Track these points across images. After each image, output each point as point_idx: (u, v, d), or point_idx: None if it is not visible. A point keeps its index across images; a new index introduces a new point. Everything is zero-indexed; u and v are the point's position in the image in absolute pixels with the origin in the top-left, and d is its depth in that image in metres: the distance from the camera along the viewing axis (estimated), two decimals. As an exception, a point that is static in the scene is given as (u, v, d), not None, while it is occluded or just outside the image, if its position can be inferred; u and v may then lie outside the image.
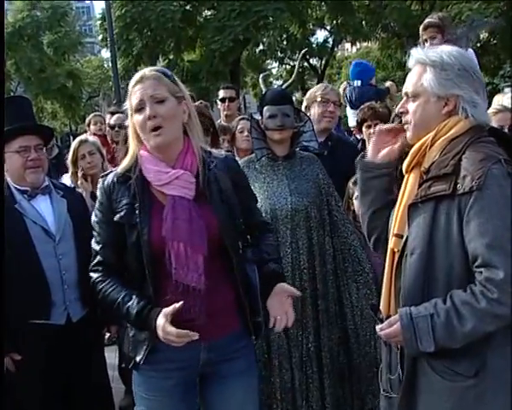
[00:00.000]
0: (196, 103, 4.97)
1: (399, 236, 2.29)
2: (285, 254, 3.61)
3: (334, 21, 24.07)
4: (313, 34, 28.01)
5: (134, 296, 2.48)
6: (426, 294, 2.16)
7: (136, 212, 2.50)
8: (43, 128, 3.78)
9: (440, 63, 2.22)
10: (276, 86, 32.66)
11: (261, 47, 25.09)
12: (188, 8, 22.28)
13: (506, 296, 2.00)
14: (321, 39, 28.70)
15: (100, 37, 24.65)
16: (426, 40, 5.16)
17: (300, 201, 3.67)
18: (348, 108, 6.85)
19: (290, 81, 5.99)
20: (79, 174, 4.65)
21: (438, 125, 2.23)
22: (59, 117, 31.50)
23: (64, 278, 3.39)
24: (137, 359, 2.56)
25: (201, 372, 2.62)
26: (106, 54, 33.14)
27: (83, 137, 4.98)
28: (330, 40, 27.87)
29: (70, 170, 4.75)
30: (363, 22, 24.01)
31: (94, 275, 2.61)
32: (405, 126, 2.34)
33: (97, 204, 2.62)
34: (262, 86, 4.93)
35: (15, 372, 3.37)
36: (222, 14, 20.69)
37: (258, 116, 3.92)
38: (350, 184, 4.18)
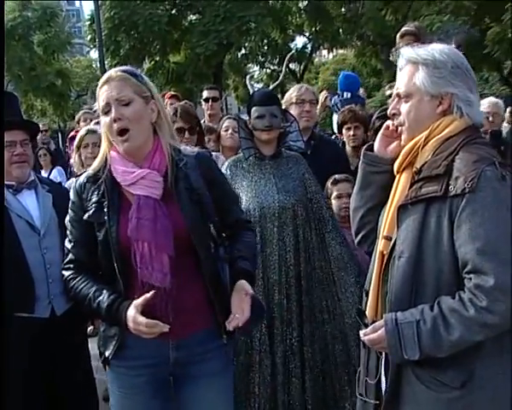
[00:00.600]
0: (181, 103, 4.88)
1: (389, 238, 2.13)
2: (272, 252, 3.57)
3: (313, 28, 24.19)
4: (293, 40, 28.12)
5: (105, 291, 2.42)
6: (413, 299, 2.02)
7: (105, 210, 2.42)
8: (29, 123, 3.67)
9: (433, 61, 2.08)
10: (258, 89, 33.07)
11: (243, 51, 25.11)
12: (174, 12, 22.35)
13: (495, 305, 1.86)
14: (300, 45, 28.75)
15: (88, 37, 24.52)
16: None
17: (287, 199, 3.61)
18: (335, 115, 6.78)
19: (277, 82, 5.97)
20: (78, 161, 4.55)
21: (431, 124, 2.09)
22: (48, 114, 31.30)
23: (48, 272, 3.28)
24: (106, 354, 2.51)
25: (173, 372, 2.50)
26: (94, 54, 33.03)
27: (92, 127, 4.88)
28: (309, 46, 27.94)
29: (73, 155, 4.66)
30: (340, 30, 24.12)
31: (66, 273, 2.57)
32: (399, 129, 2.19)
33: (70, 204, 2.57)
34: (249, 87, 4.90)
35: None
36: (207, 19, 20.72)
37: (245, 117, 3.85)
38: (328, 184, 4.11)
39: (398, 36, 5.14)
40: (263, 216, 3.58)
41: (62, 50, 27.81)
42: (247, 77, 5.63)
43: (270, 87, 5.47)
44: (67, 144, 7.82)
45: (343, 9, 23.31)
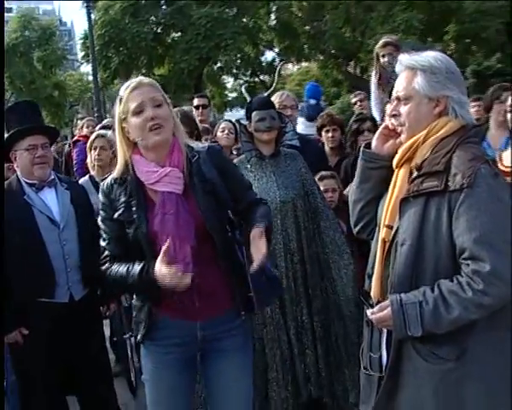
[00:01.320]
0: (182, 108, 4.86)
1: (390, 227, 2.11)
2: (277, 241, 3.56)
3: (282, 44, 24.20)
4: (263, 54, 28.00)
5: (136, 264, 2.37)
6: (414, 282, 2.00)
7: (133, 209, 2.39)
8: (49, 128, 3.69)
9: (430, 67, 2.06)
10: (230, 98, 32.69)
11: (219, 64, 25.03)
12: (159, 30, 22.17)
13: (491, 288, 1.86)
14: (269, 59, 28.68)
15: (82, 53, 24.30)
16: (383, 55, 5.11)
17: (287, 194, 3.61)
18: (300, 119, 6.79)
19: (271, 89, 5.98)
20: (90, 161, 4.65)
21: (429, 124, 2.07)
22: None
23: (67, 262, 3.33)
24: (138, 337, 2.51)
25: (201, 349, 2.51)
26: (85, 69, 32.72)
27: (102, 132, 4.86)
28: (277, 60, 27.84)
29: (88, 155, 4.71)
30: (305, 46, 24.13)
31: (104, 267, 2.49)
32: (399, 129, 2.16)
33: (100, 205, 2.52)
34: (245, 95, 4.92)
35: (23, 345, 3.31)
36: (189, 37, 20.62)
37: (244, 122, 3.85)
38: (316, 179, 4.11)
39: (379, 44, 5.16)
40: None
41: (59, 65, 27.66)
42: (243, 87, 5.69)
43: (266, 93, 5.47)
44: (71, 148, 7.74)
45: (308, 27, 23.31)
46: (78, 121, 8.70)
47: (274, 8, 23.61)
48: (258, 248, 2.33)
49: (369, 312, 2.09)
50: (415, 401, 2.06)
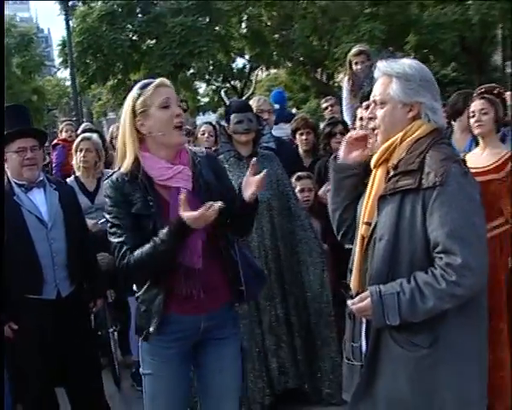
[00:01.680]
0: None
1: (368, 223, 2.14)
2: (252, 239, 3.57)
3: (253, 52, 24.26)
4: (234, 61, 27.98)
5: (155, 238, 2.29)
6: (391, 275, 2.03)
7: (150, 203, 2.33)
8: (38, 131, 3.63)
9: (404, 74, 2.09)
10: (202, 103, 32.58)
11: (192, 70, 24.94)
12: (134, 38, 22.00)
13: (463, 279, 1.90)
14: (240, 65, 28.68)
15: (60, 59, 23.96)
16: (356, 63, 5.14)
17: (263, 193, 3.56)
18: None
19: (249, 93, 5.99)
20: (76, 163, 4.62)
21: (403, 127, 2.10)
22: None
23: (55, 260, 3.31)
24: (151, 329, 2.41)
25: (199, 339, 2.51)
26: (62, 74, 32.29)
27: (88, 134, 4.81)
28: (247, 66, 27.86)
29: (74, 157, 4.68)
30: (275, 53, 24.19)
31: (125, 260, 2.33)
32: (375, 131, 2.19)
33: (110, 202, 2.38)
34: (225, 99, 4.92)
35: (14, 341, 3.26)
36: (164, 44, 20.51)
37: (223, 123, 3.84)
38: (293, 179, 4.12)
39: (353, 53, 5.20)
40: None
41: (37, 71, 27.25)
42: (222, 91, 5.75)
43: (244, 97, 5.48)
44: (50, 151, 7.65)
45: (277, 36, 23.38)
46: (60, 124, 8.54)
47: (245, 18, 23.64)
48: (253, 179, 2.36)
49: (349, 302, 2.11)
50: (391, 387, 2.08)
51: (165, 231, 2.26)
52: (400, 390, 2.06)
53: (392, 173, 2.11)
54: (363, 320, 2.17)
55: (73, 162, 4.65)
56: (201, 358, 2.55)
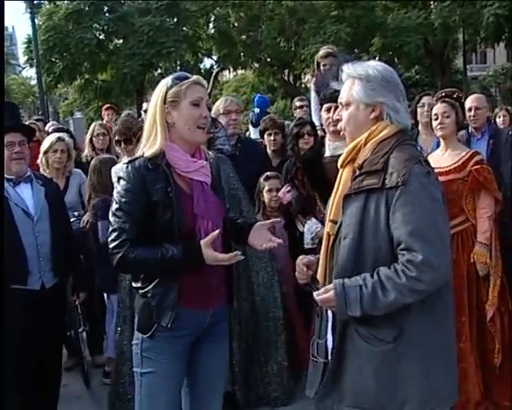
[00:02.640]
0: (122, 115, 4.77)
1: (334, 222, 2.17)
2: None
3: (220, 52, 24.25)
4: (201, 62, 27.91)
5: (167, 246, 2.29)
6: (355, 272, 2.06)
7: (171, 194, 2.31)
8: (26, 127, 3.72)
9: (366, 76, 2.13)
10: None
11: (159, 71, 24.79)
12: (101, 37, 21.81)
13: (423, 275, 1.93)
14: (208, 66, 28.62)
15: (25, 58, 23.57)
16: (324, 65, 5.19)
17: None
18: (250, 126, 6.87)
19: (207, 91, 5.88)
20: (45, 163, 4.57)
21: (368, 128, 2.14)
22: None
23: (40, 252, 3.39)
24: (163, 323, 2.34)
25: (201, 334, 2.49)
26: (27, 73, 31.69)
27: (62, 135, 4.75)
28: (215, 67, 27.84)
29: (40, 157, 4.60)
30: (242, 54, 24.24)
31: (121, 250, 2.30)
32: (341, 133, 2.24)
33: (127, 186, 2.33)
34: None
35: None
36: (131, 44, 20.41)
37: None
38: (261, 179, 4.15)
39: (321, 55, 5.23)
40: None
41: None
42: None
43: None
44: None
45: (244, 37, 23.43)
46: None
47: (212, 18, 23.62)
48: (267, 238, 2.54)
49: (315, 294, 2.13)
50: (357, 381, 2.11)
51: (179, 250, 2.28)
52: (365, 384, 2.08)
53: (357, 173, 2.15)
54: (330, 317, 2.20)
55: (41, 162, 4.58)
56: (197, 353, 2.53)
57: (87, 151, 5.50)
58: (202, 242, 2.29)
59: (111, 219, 2.36)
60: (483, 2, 18.09)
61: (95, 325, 4.81)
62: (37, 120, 7.46)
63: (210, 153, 2.61)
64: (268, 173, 4.22)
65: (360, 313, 2.01)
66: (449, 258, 2.02)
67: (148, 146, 2.37)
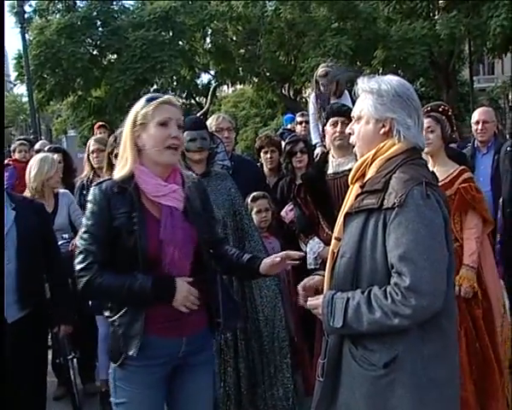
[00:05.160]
0: (119, 131, 4.78)
1: (338, 239, 2.19)
2: None
3: (218, 67, 24.41)
4: (199, 77, 28.10)
5: (138, 275, 2.29)
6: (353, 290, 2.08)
7: (134, 220, 2.32)
8: None
9: (378, 90, 2.14)
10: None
11: (155, 86, 24.93)
12: (95, 52, 21.96)
13: (408, 300, 1.93)
14: (205, 81, 28.81)
15: (15, 74, 23.66)
16: (323, 84, 5.21)
17: (218, 212, 3.53)
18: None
19: (204, 110, 5.89)
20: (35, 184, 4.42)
21: (377, 144, 2.15)
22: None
23: (6, 283, 3.16)
24: (130, 352, 2.34)
25: (177, 364, 2.48)
26: (18, 90, 31.85)
27: (47, 154, 4.70)
28: (213, 82, 28.03)
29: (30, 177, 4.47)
30: (240, 69, 24.41)
31: (87, 273, 2.32)
32: (354, 149, 2.28)
33: (93, 208, 2.37)
34: None
35: None
36: (125, 59, 20.51)
37: None
38: (248, 201, 4.09)
39: (320, 74, 5.24)
40: None
41: (-9, 87, 26.78)
42: None
43: (198, 114, 5.42)
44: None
45: (242, 51, 23.59)
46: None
47: (209, 32, 23.80)
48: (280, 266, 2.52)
49: (308, 300, 2.20)
50: (350, 403, 2.12)
51: (149, 282, 2.29)
52: (358, 405, 2.09)
53: (359, 192, 2.15)
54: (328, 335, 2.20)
55: (28, 185, 4.53)
56: (177, 383, 2.52)
57: (86, 171, 5.33)
58: (180, 279, 2.32)
59: (78, 242, 2.41)
60: (489, 13, 18.26)
61: (86, 351, 4.78)
62: (25, 140, 7.48)
63: (191, 176, 2.58)
64: (255, 194, 4.17)
65: (342, 324, 2.02)
66: (442, 285, 1.98)
67: (119, 169, 2.40)
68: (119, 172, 2.39)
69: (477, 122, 4.67)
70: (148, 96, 2.43)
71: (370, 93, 2.15)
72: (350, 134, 2.26)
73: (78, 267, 2.34)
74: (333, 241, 2.23)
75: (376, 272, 2.03)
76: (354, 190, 2.21)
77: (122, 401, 2.42)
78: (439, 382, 2.05)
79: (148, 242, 2.30)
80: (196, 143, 3.63)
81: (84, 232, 2.37)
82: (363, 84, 2.20)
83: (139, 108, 2.36)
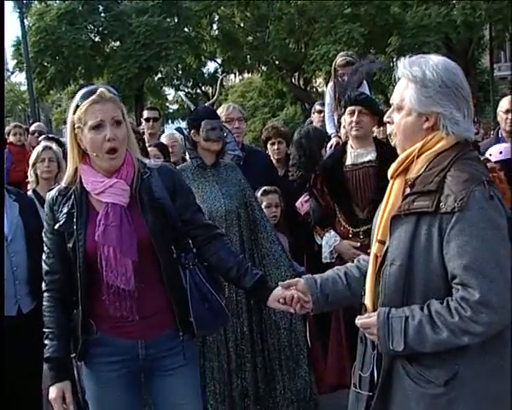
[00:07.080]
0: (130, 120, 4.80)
1: (382, 242, 2.04)
2: None
3: (225, 55, 24.35)
4: (205, 65, 28.06)
5: (55, 342, 2.42)
6: (404, 304, 1.94)
7: (74, 220, 2.34)
8: None
9: (422, 79, 1.95)
10: (171, 111, 32.32)
11: (160, 75, 24.92)
12: (97, 39, 21.92)
13: (479, 316, 1.80)
14: (212, 70, 28.78)
15: (14, 61, 23.71)
16: (342, 74, 5.13)
17: (232, 203, 3.60)
18: None
19: (212, 101, 5.92)
20: (34, 176, 4.45)
21: (421, 138, 1.98)
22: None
23: (16, 274, 3.32)
24: (74, 354, 2.48)
25: (144, 367, 2.47)
26: (16, 79, 31.90)
27: (48, 143, 4.71)
28: (219, 71, 27.98)
29: (29, 172, 4.51)
30: (248, 57, 24.35)
31: (45, 293, 2.46)
32: (392, 137, 2.12)
33: (45, 217, 2.46)
34: (188, 103, 4.91)
35: None
36: (128, 46, 20.46)
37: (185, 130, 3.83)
38: (258, 194, 4.08)
39: (339, 62, 5.16)
40: (211, 219, 3.46)
41: (-11, 76, 26.90)
42: (182, 94, 5.68)
43: (207, 104, 5.44)
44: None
45: (251, 38, 23.52)
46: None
47: (216, 19, 23.73)
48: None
49: (357, 318, 2.05)
50: None
51: (52, 350, 2.41)
52: None
53: (408, 191, 2.01)
54: (375, 347, 2.07)
55: (30, 176, 4.55)
56: (153, 391, 2.52)
57: None
58: (62, 386, 2.42)
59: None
60: (511, -4, 18.09)
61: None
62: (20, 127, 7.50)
63: (157, 165, 2.53)
64: (266, 188, 4.14)
65: (403, 347, 1.90)
66: (510, 297, 1.85)
67: (67, 170, 2.42)
68: (65, 176, 2.42)
69: (507, 111, 4.56)
70: (84, 91, 2.34)
71: (413, 82, 1.98)
72: (388, 122, 2.10)
73: (42, 285, 2.46)
74: (375, 244, 2.10)
75: (431, 280, 1.91)
76: (396, 186, 2.08)
77: (89, 395, 2.50)
78: (498, 397, 1.95)
79: (87, 242, 2.32)
80: (216, 132, 3.63)
81: (44, 244, 2.45)
82: (405, 69, 2.01)
83: (74, 109, 2.33)
